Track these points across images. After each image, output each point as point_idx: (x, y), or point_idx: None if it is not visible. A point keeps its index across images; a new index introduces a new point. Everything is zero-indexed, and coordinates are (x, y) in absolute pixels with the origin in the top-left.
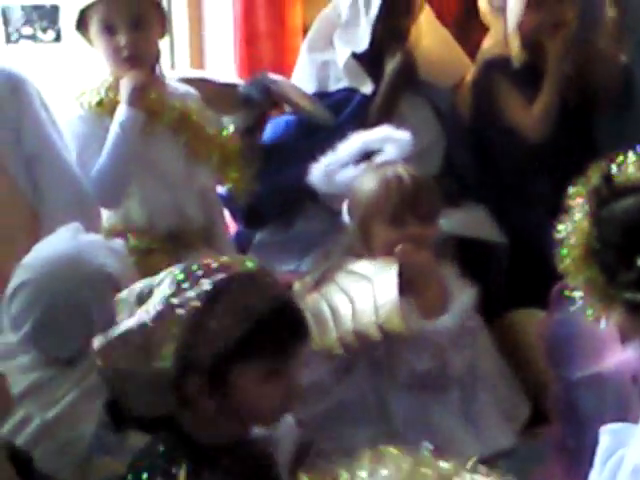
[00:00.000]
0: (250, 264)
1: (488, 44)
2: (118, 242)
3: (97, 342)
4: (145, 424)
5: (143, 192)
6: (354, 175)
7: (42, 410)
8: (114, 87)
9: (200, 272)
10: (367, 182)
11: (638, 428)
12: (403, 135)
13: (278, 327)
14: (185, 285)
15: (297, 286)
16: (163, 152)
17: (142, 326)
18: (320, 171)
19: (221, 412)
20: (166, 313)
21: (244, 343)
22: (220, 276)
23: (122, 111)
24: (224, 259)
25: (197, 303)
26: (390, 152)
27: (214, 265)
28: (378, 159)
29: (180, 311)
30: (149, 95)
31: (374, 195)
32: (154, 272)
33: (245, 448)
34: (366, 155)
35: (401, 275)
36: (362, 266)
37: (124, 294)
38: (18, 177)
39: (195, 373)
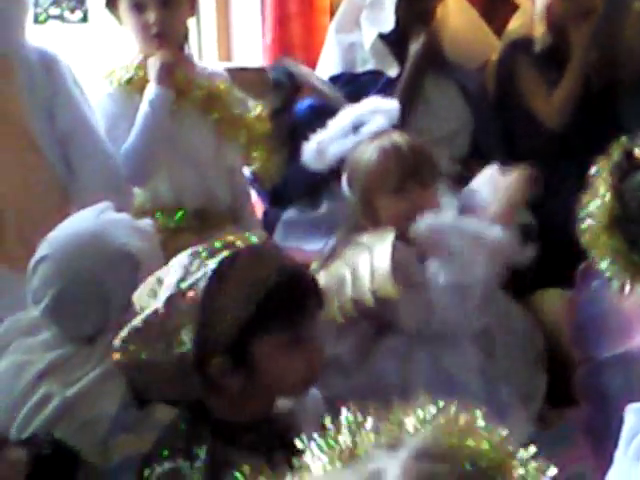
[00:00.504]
0: (254, 239)
1: (515, 24)
2: (146, 222)
3: (116, 338)
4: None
5: (171, 171)
6: (344, 148)
7: (63, 388)
8: (143, 65)
9: (205, 254)
10: (365, 153)
11: None
12: (391, 104)
13: (288, 296)
14: (192, 268)
15: (314, 265)
16: (192, 131)
17: (154, 314)
18: (312, 148)
19: (247, 389)
20: (176, 298)
21: (258, 316)
22: (225, 254)
23: (151, 89)
24: (228, 237)
25: (205, 283)
26: (379, 122)
27: (218, 245)
28: (367, 128)
29: (190, 294)
30: (177, 73)
31: (374, 166)
32: (178, 251)
33: (269, 425)
34: (356, 128)
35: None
36: (365, 237)
37: (148, 285)
38: (50, 155)
39: (216, 353)
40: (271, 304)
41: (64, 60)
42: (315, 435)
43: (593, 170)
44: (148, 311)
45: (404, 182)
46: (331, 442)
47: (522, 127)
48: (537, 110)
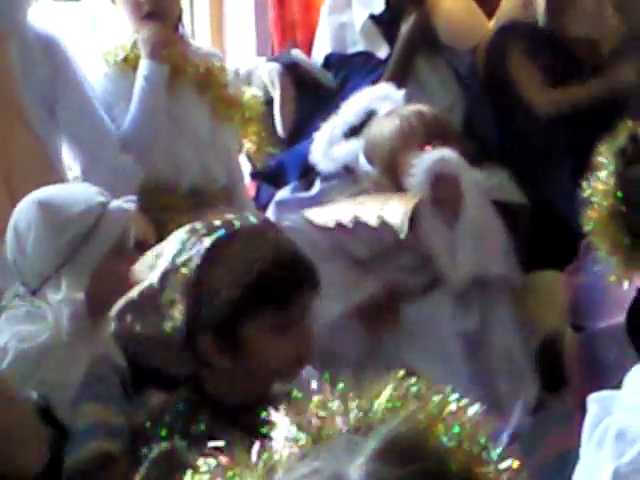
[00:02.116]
0: (253, 219)
1: (507, 6)
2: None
3: (113, 309)
4: (166, 383)
5: (169, 149)
6: (352, 150)
7: (18, 342)
8: (138, 43)
9: (204, 230)
10: (387, 123)
11: (621, 395)
12: (399, 94)
13: (280, 279)
14: (188, 245)
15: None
16: (188, 110)
17: (150, 287)
18: (324, 137)
19: (237, 368)
20: (171, 273)
21: (249, 298)
22: (220, 233)
23: (145, 65)
24: (228, 216)
25: (198, 261)
26: (388, 109)
27: (216, 223)
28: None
29: (183, 270)
30: (173, 51)
31: (399, 131)
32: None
33: (266, 407)
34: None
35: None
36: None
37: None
38: (36, 125)
39: (205, 330)
40: (263, 287)
41: (61, 39)
42: (284, 409)
43: (598, 149)
44: (144, 284)
45: (428, 144)
46: (297, 419)
47: (512, 111)
48: (529, 97)
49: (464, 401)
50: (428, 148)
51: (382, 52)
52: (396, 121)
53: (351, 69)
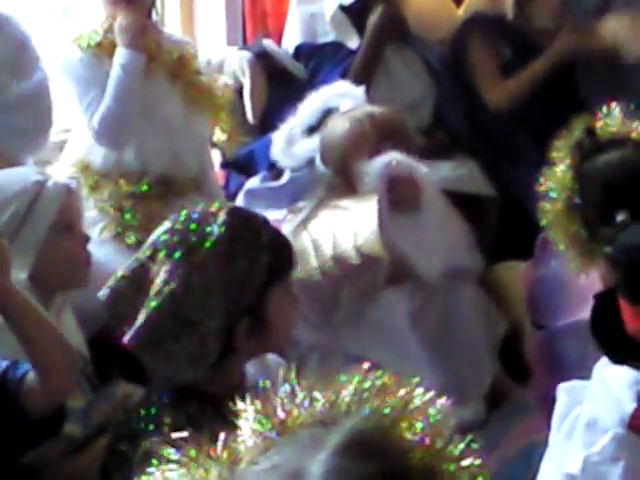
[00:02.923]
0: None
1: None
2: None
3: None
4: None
5: (140, 135)
6: (312, 148)
7: None
8: (113, 29)
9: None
10: (339, 126)
11: (591, 385)
12: (359, 91)
13: (282, 250)
14: (178, 227)
15: (286, 227)
16: (161, 97)
17: (136, 260)
18: (282, 138)
19: (258, 348)
20: (155, 253)
21: (269, 272)
22: (222, 218)
23: (122, 53)
24: (216, 204)
25: (212, 248)
26: (347, 107)
27: (214, 207)
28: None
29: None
30: (147, 38)
31: (349, 133)
32: (148, 217)
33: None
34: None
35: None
36: (344, 201)
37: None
38: None
39: (244, 315)
40: (274, 261)
41: (13, 18)
42: (250, 400)
43: (555, 144)
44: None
45: (380, 147)
46: (261, 410)
47: (474, 104)
48: (484, 93)
49: (429, 395)
50: (377, 153)
51: (353, 42)
52: (347, 124)
53: (322, 59)
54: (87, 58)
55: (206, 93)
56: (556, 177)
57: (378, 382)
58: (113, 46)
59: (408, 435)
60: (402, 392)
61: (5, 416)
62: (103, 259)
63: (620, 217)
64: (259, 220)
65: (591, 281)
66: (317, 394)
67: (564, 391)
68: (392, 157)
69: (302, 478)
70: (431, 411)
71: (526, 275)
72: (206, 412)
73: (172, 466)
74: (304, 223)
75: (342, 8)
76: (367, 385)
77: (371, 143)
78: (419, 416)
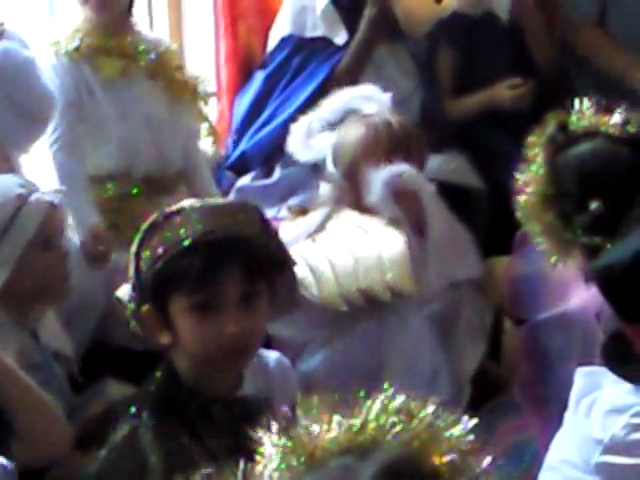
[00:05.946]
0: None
1: None
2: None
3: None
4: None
5: (125, 134)
6: (330, 143)
7: None
8: (90, 33)
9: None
10: (354, 129)
11: (610, 372)
12: (385, 96)
13: (197, 259)
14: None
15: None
16: (143, 96)
17: None
18: (301, 130)
19: (173, 345)
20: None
21: (171, 273)
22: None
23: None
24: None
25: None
26: (370, 111)
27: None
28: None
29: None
30: (124, 39)
31: (363, 140)
32: (134, 218)
33: (240, 405)
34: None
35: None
36: (365, 221)
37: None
38: None
39: (144, 299)
40: (181, 264)
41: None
42: (273, 429)
43: (528, 140)
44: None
45: (392, 157)
46: (288, 442)
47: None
48: (443, 102)
49: (452, 417)
50: (388, 162)
51: (340, 38)
52: (363, 128)
53: (309, 54)
54: (64, 63)
55: (188, 87)
56: (531, 171)
57: (400, 405)
58: (91, 51)
59: (436, 460)
60: (425, 415)
61: None
62: None
63: (594, 205)
64: (188, 227)
65: (570, 273)
66: (340, 419)
67: (582, 375)
68: (401, 169)
69: None
70: (454, 431)
71: (506, 272)
72: (191, 411)
73: None
74: (313, 236)
75: (333, 2)
76: (392, 409)
77: (383, 151)
78: (444, 439)
